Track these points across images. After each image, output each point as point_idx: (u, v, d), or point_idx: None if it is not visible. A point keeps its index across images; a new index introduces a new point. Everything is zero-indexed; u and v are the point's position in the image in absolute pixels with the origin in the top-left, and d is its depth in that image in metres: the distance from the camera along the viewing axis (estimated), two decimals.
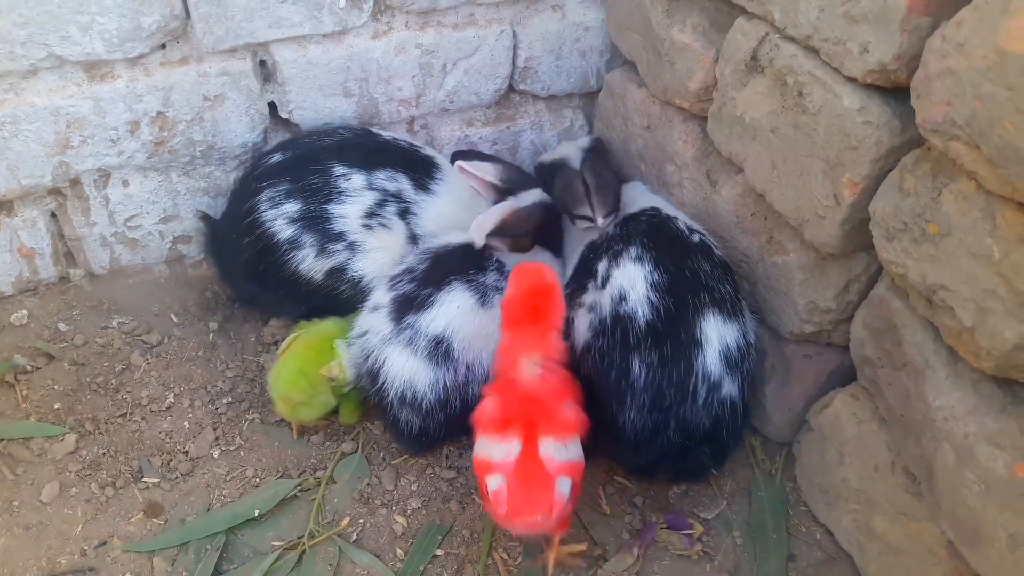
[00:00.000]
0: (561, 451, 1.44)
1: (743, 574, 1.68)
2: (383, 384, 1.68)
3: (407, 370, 1.67)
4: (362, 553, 1.65)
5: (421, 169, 1.93)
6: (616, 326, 1.61)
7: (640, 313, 1.60)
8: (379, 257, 1.88)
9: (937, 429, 1.37)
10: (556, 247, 1.93)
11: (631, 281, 1.63)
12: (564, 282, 1.83)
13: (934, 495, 1.41)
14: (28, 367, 1.88)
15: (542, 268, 1.56)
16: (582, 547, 1.68)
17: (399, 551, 1.67)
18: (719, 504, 1.80)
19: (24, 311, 1.98)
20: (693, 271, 1.64)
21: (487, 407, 1.49)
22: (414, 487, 1.79)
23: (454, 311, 1.67)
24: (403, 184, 1.90)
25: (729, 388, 1.65)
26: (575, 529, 1.73)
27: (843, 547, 1.71)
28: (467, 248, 1.76)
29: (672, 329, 1.59)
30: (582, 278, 1.76)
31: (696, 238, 1.73)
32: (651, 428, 1.63)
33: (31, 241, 1.93)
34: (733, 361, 1.64)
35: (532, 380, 1.47)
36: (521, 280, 1.52)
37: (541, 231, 1.88)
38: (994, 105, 1.11)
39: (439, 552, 1.67)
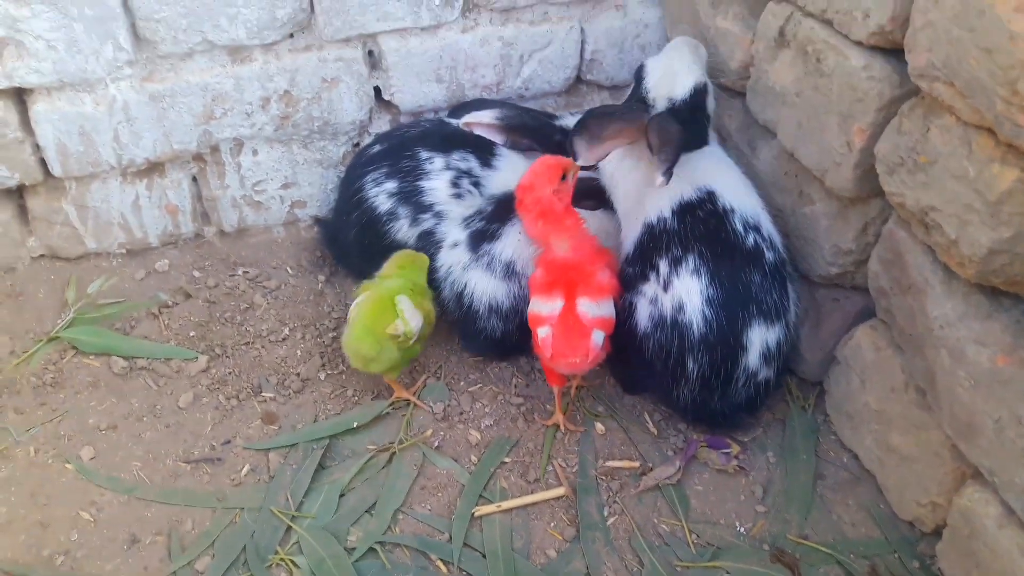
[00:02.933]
0: (594, 308, 1.82)
1: (775, 487, 1.90)
2: (471, 301, 2.06)
3: (490, 287, 2.05)
4: (443, 458, 1.94)
5: (484, 149, 2.28)
6: (674, 329, 1.87)
7: (695, 324, 1.85)
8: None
9: (935, 337, 1.59)
10: (603, 204, 2.16)
11: (688, 293, 1.85)
12: (620, 245, 2.07)
13: (937, 400, 1.62)
14: (170, 303, 2.26)
15: (554, 159, 1.91)
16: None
17: (473, 458, 1.95)
18: (756, 430, 2.03)
19: (166, 260, 2.38)
20: (745, 285, 1.84)
21: (537, 275, 1.88)
22: (487, 409, 2.07)
23: (516, 241, 2.04)
24: (472, 163, 2.26)
25: (765, 373, 1.93)
26: (626, 447, 1.99)
27: (867, 467, 1.91)
28: None
29: (722, 339, 1.85)
30: (644, 267, 1.93)
31: (751, 240, 1.87)
32: (698, 401, 1.95)
33: (176, 199, 2.33)
34: (771, 356, 1.91)
35: (567, 253, 1.87)
36: (535, 167, 1.91)
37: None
38: (961, 46, 1.37)
39: (507, 459, 1.94)
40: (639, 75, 2.04)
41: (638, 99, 2.01)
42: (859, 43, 1.68)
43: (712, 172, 1.96)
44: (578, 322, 1.80)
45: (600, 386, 2.12)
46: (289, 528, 1.77)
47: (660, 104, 1.97)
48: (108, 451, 1.92)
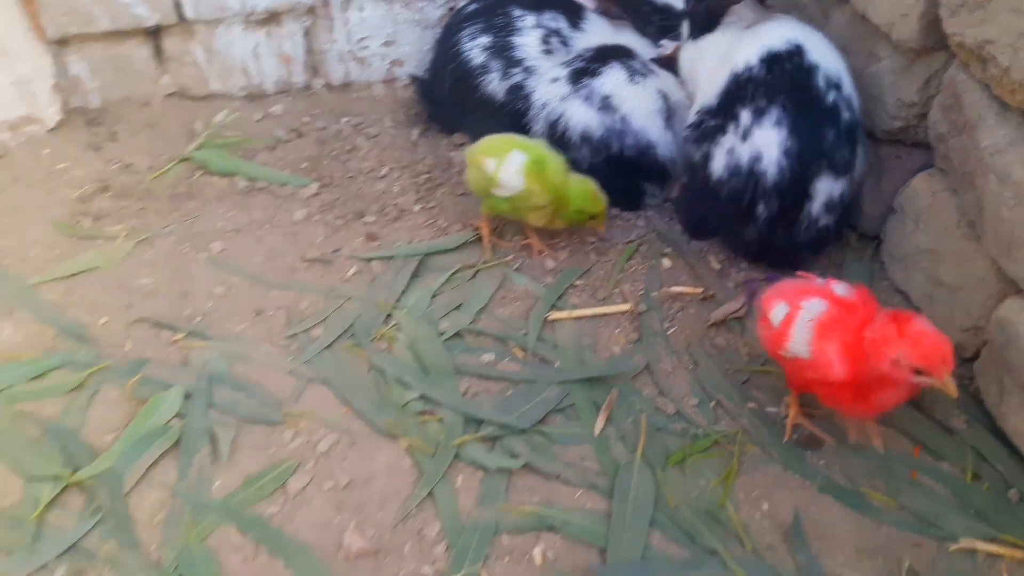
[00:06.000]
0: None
1: None
2: (565, 129, 2.26)
3: (585, 116, 2.26)
4: (521, 277, 2.15)
5: (573, 12, 2.48)
6: (750, 177, 2.06)
7: (769, 173, 2.02)
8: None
9: (985, 165, 1.73)
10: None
11: (768, 144, 2.01)
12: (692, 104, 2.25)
13: (983, 225, 1.77)
14: (285, 139, 2.53)
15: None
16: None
17: (549, 279, 2.16)
18: (813, 273, 2.19)
19: (280, 106, 2.65)
20: (819, 139, 1.99)
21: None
22: (562, 244, 2.27)
23: (614, 79, 2.25)
24: (562, 23, 2.45)
25: (826, 221, 2.09)
26: (690, 279, 2.17)
27: (916, 305, 2.05)
28: (620, 46, 2.34)
29: (792, 187, 2.03)
30: (726, 118, 2.07)
31: (831, 98, 2.00)
32: (762, 239, 2.14)
33: (291, 50, 2.58)
34: (834, 206, 2.08)
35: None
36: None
37: None
38: None
39: (579, 282, 2.15)
40: None
41: None
42: None
43: (798, 29, 2.08)
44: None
45: (667, 231, 2.31)
46: (389, 315, 2.01)
47: None
48: (235, 248, 2.19)
